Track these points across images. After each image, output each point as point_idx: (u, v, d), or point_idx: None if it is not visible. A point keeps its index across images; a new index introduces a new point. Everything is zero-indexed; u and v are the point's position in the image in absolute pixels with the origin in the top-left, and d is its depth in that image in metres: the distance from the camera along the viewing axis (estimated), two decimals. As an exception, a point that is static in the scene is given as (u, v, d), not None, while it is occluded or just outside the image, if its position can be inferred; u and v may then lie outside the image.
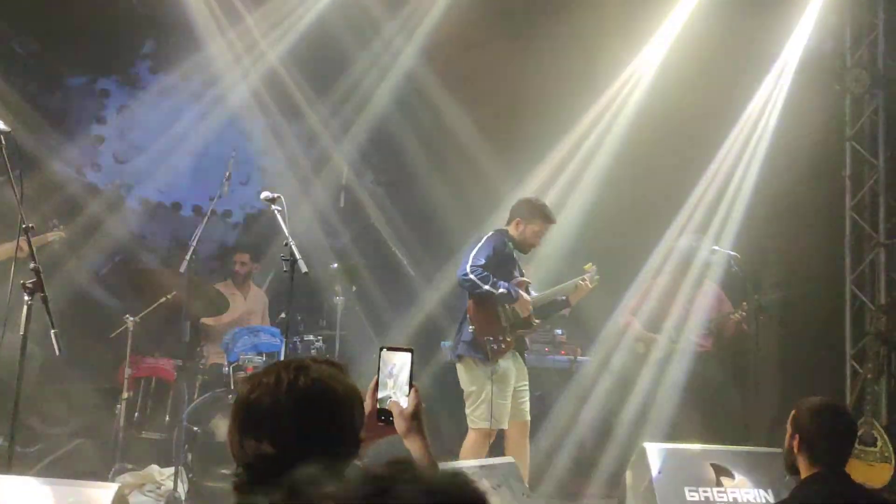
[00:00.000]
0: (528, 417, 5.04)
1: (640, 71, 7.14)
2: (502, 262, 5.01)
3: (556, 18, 6.97)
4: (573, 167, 7.21)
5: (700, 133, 6.78)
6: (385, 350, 2.09)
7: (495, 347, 4.84)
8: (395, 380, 2.07)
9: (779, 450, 4.53)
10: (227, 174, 5.51)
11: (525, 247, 5.14)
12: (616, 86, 7.22)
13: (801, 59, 6.71)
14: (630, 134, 7.03)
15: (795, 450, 2.94)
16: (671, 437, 5.28)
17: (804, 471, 2.94)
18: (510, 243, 5.10)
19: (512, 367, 4.96)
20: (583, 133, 7.28)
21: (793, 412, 3.01)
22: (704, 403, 5.76)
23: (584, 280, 5.09)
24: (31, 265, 3.30)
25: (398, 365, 2.07)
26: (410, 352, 2.06)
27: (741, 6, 6.49)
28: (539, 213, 5.10)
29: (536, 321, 5.16)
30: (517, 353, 5.07)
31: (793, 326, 6.60)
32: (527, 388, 5.08)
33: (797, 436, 2.93)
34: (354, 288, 6.43)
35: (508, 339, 4.93)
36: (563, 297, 5.21)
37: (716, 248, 6.05)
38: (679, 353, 5.81)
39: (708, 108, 6.65)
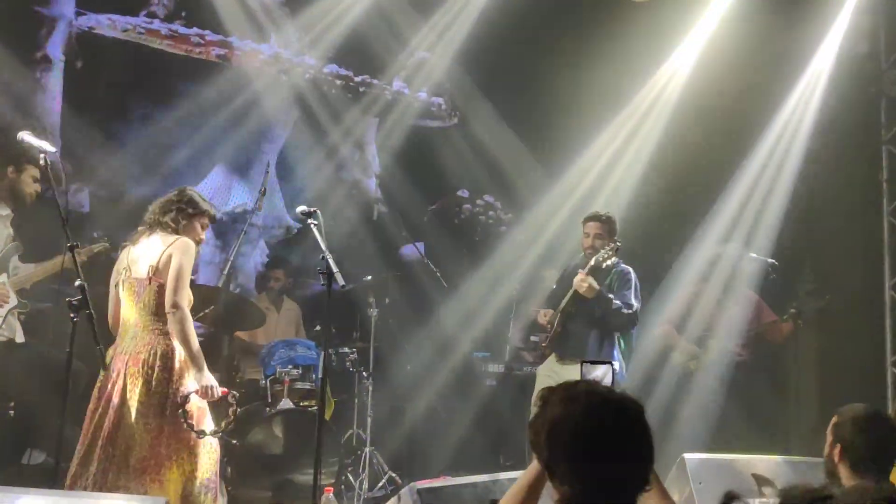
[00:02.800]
0: None
1: (672, 75, 7.11)
2: None
3: (591, 22, 6.98)
4: (603, 172, 7.21)
5: (733, 138, 6.74)
6: (585, 364, 2.27)
7: None
8: None
9: (819, 459, 4.50)
10: (262, 189, 5.59)
11: None
12: (647, 91, 7.20)
13: (836, 62, 6.63)
14: (662, 139, 7.01)
15: (836, 459, 2.89)
16: (710, 446, 5.23)
17: (845, 479, 2.88)
18: None
19: None
20: (611, 137, 7.28)
21: (834, 420, 2.96)
22: (743, 412, 5.71)
23: None
24: (77, 282, 3.37)
25: (599, 377, 2.21)
26: (609, 364, 2.24)
27: (773, 9, 6.44)
28: None
29: None
30: None
31: (831, 333, 6.52)
32: None
33: (839, 445, 2.88)
34: (388, 300, 6.45)
35: None
36: None
37: (753, 255, 6.00)
38: (717, 363, 5.76)
39: (741, 113, 6.61)
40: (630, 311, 5.06)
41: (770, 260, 5.86)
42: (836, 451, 2.87)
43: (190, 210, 3.83)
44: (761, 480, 4.34)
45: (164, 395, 3.59)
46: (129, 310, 3.72)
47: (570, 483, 1.85)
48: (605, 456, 1.84)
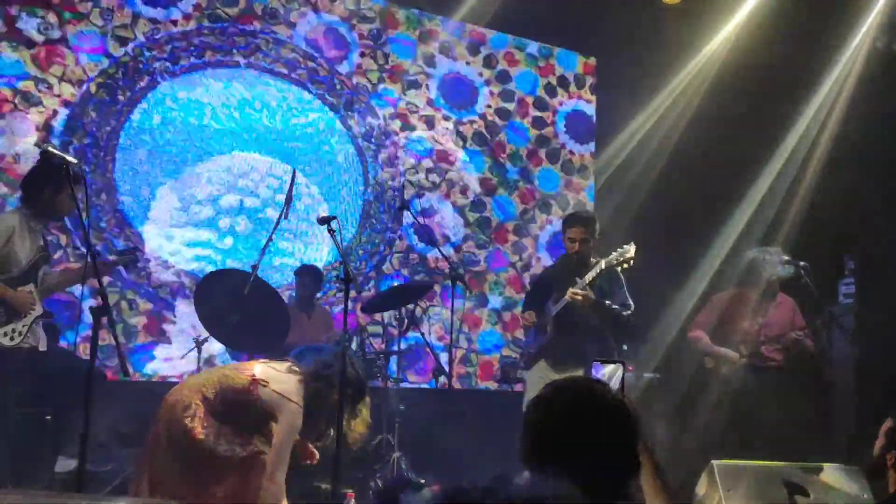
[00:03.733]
0: None
1: (702, 69, 7.05)
2: None
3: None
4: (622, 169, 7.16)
5: (762, 135, 6.64)
6: (595, 363, 2.31)
7: None
8: None
9: (855, 467, 4.39)
10: (289, 196, 5.59)
11: None
12: (675, 84, 7.14)
13: (867, 55, 6.51)
14: (688, 134, 6.93)
15: (889, 464, 2.81)
16: (741, 453, 5.12)
17: (893, 485, 2.81)
18: None
19: None
20: (633, 133, 7.22)
21: (888, 424, 2.88)
22: (777, 419, 5.58)
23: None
24: (98, 289, 3.42)
25: (607, 375, 2.24)
26: (621, 363, 2.25)
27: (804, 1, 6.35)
28: None
29: None
30: None
31: (868, 337, 6.36)
32: None
33: (894, 451, 2.80)
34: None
35: None
36: None
37: (786, 257, 5.87)
38: (750, 368, 5.64)
39: (771, 107, 6.50)
40: (629, 312, 4.97)
41: (802, 263, 5.72)
42: (890, 456, 2.80)
43: None
44: (793, 488, 4.25)
45: None
46: None
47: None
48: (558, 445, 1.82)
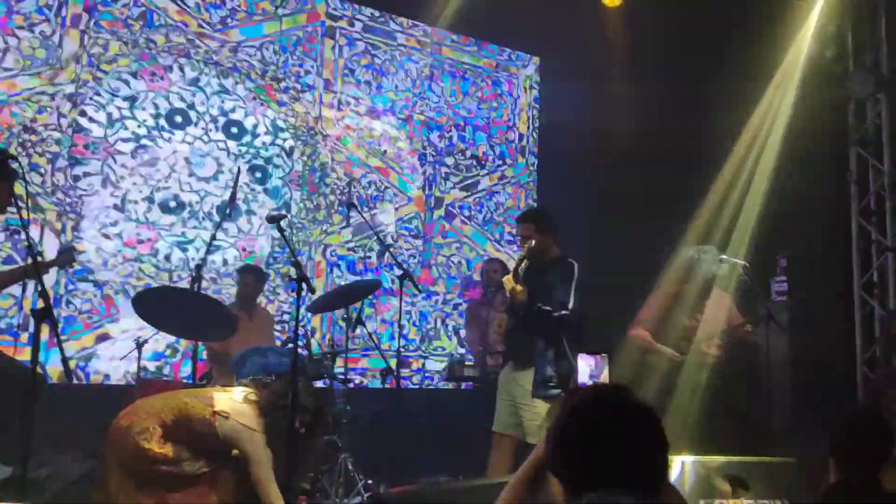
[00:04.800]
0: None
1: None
2: None
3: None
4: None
5: (707, 142, 6.79)
6: (580, 355, 2.34)
7: None
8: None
9: (792, 459, 4.53)
10: (233, 194, 5.51)
11: None
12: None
13: (804, 66, 6.72)
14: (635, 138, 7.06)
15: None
16: (684, 449, 5.24)
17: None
18: None
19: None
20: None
21: None
22: (717, 414, 5.71)
23: None
24: (39, 290, 3.31)
25: (590, 368, 2.32)
26: (604, 355, 2.33)
27: (740, 17, 6.52)
28: None
29: None
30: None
31: (803, 334, 6.57)
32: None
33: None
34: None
35: None
36: None
37: (723, 257, 6.01)
38: (689, 364, 5.76)
39: (714, 116, 6.65)
40: (559, 314, 4.86)
41: (740, 261, 5.88)
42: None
43: None
44: (735, 482, 4.36)
45: None
46: None
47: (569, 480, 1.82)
48: (588, 448, 1.79)
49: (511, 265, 5.51)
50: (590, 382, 2.34)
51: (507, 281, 4.91)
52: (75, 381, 5.61)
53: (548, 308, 4.90)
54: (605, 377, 2.30)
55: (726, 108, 6.77)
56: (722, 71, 6.65)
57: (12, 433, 4.07)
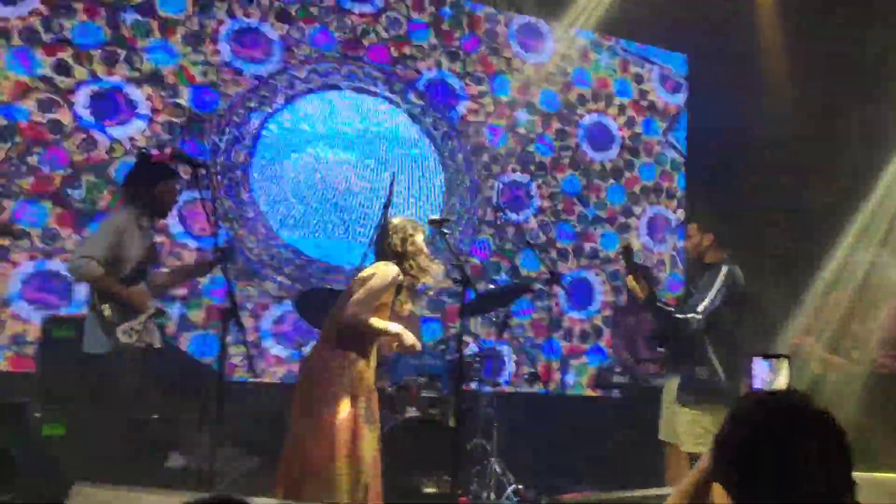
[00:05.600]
0: None
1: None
2: None
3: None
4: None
5: (877, 130, 6.45)
6: (756, 358, 2.21)
7: None
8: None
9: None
10: (387, 202, 5.60)
11: None
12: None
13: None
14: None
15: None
16: (856, 463, 4.94)
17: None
18: None
19: None
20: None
21: None
22: (888, 428, 5.37)
23: None
24: (226, 288, 3.48)
25: (766, 373, 2.19)
26: (785, 357, 2.18)
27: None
28: None
29: None
30: None
31: None
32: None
33: None
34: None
35: None
36: None
37: (897, 260, 5.67)
38: (862, 375, 5.45)
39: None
40: (685, 316, 4.67)
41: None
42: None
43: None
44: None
45: None
46: None
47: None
48: (769, 471, 1.62)
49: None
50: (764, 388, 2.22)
51: (629, 280, 4.83)
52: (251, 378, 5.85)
53: (670, 308, 4.80)
54: (782, 383, 2.15)
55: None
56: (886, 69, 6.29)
57: (190, 426, 4.29)
